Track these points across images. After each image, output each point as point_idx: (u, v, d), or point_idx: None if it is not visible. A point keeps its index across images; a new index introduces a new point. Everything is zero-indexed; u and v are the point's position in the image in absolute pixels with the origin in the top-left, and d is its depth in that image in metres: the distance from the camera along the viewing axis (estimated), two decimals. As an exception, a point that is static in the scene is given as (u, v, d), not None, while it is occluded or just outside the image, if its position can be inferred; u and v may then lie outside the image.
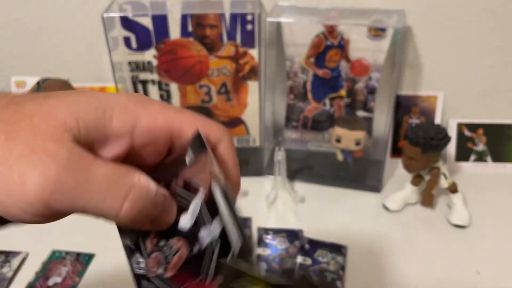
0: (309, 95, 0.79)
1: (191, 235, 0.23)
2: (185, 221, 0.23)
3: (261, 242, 0.67)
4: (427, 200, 0.74)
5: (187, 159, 0.24)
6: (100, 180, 0.20)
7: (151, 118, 0.24)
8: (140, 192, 0.21)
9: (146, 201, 0.22)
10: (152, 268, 0.24)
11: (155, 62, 0.78)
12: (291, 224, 0.71)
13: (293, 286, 0.22)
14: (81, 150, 0.20)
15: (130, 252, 0.25)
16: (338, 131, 0.77)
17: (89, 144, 0.21)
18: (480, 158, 0.84)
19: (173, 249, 0.23)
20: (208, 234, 0.22)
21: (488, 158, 0.84)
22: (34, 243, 0.68)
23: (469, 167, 0.84)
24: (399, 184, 0.78)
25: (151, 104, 0.24)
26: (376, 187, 0.79)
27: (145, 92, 0.81)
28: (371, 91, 0.77)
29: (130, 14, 0.74)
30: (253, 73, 0.78)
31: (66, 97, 0.22)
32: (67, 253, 0.66)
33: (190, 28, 0.75)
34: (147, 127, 0.23)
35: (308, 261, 0.64)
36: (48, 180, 0.19)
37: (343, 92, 0.78)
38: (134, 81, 0.80)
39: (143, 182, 0.22)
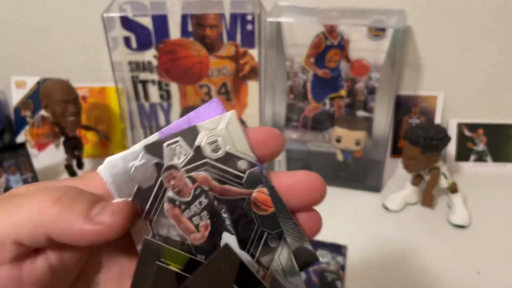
0: (309, 95, 0.79)
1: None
2: None
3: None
4: (427, 200, 0.74)
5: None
6: None
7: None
8: None
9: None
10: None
11: (155, 62, 0.78)
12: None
13: (213, 261, 0.22)
14: None
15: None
16: (338, 131, 0.77)
17: None
18: (480, 158, 0.84)
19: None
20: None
21: (488, 158, 0.84)
22: None
23: (469, 167, 0.84)
24: (399, 184, 0.78)
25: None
26: (376, 187, 0.79)
27: (145, 92, 0.81)
28: (371, 91, 0.77)
29: (130, 14, 0.74)
30: (253, 73, 0.78)
31: None
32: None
33: (190, 28, 0.75)
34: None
35: (308, 261, 0.64)
36: None
37: (343, 92, 0.78)
38: (134, 81, 0.80)
39: None
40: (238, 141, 0.23)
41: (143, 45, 0.76)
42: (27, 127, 0.87)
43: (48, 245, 0.21)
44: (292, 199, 0.23)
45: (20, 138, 0.88)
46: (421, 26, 0.77)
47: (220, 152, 0.23)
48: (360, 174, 0.81)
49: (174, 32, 0.75)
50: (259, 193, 0.23)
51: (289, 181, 0.23)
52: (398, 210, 0.74)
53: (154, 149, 0.23)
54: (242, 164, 0.23)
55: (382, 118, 0.77)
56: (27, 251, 0.21)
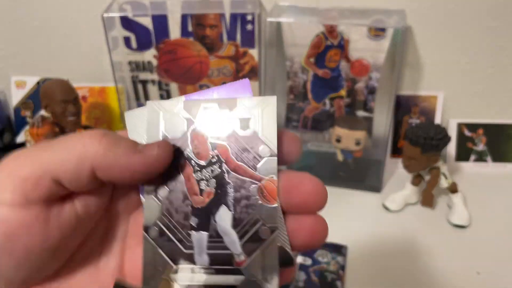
0: (309, 95, 0.79)
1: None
2: None
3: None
4: (427, 200, 0.74)
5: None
6: None
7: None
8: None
9: None
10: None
11: (155, 62, 0.78)
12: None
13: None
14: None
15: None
16: (338, 131, 0.77)
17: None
18: (480, 158, 0.84)
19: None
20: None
21: (488, 158, 0.84)
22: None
23: (469, 167, 0.84)
24: (399, 184, 0.78)
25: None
26: (376, 187, 0.79)
27: (145, 92, 0.81)
28: (371, 91, 0.77)
29: (130, 14, 0.74)
30: (253, 73, 0.78)
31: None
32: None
33: (190, 28, 0.75)
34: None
35: (308, 261, 0.64)
36: None
37: (343, 92, 0.78)
38: (134, 81, 0.80)
39: None
40: (268, 127, 0.23)
41: (143, 45, 0.76)
42: (27, 127, 0.87)
43: (88, 185, 0.21)
44: (290, 200, 0.23)
45: (20, 138, 0.88)
46: (421, 26, 0.77)
47: (247, 131, 0.23)
48: (360, 174, 0.81)
49: (174, 32, 0.75)
50: (269, 183, 0.23)
51: (290, 182, 0.23)
52: (398, 210, 0.74)
53: (191, 107, 0.24)
54: (263, 149, 0.23)
55: (382, 118, 0.77)
56: (61, 193, 0.21)
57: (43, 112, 0.77)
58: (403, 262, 0.65)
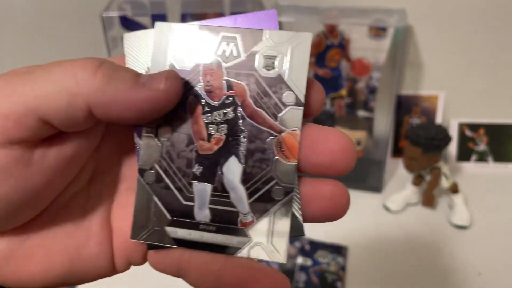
0: (310, 95, 0.79)
1: None
2: None
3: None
4: (428, 200, 0.74)
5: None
6: None
7: None
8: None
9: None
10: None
11: (154, 62, 0.78)
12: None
13: None
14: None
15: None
16: (339, 131, 0.77)
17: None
18: (481, 158, 0.84)
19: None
20: None
21: (489, 158, 0.84)
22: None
23: (470, 167, 0.84)
24: (399, 184, 0.77)
25: None
26: (376, 187, 0.79)
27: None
28: (372, 90, 0.77)
29: (129, 14, 0.73)
30: (253, 72, 0.78)
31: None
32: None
33: (190, 28, 0.75)
34: None
35: (309, 262, 0.64)
36: None
37: (343, 92, 0.77)
38: (134, 81, 0.80)
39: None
40: (297, 70, 0.20)
41: (142, 45, 0.76)
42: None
43: (81, 124, 0.18)
44: (313, 158, 0.20)
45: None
46: (422, 25, 0.76)
47: (272, 72, 0.20)
48: (360, 174, 0.81)
49: (174, 31, 0.75)
50: (290, 136, 0.20)
51: (314, 137, 0.20)
52: (398, 210, 0.74)
53: (208, 34, 0.20)
54: (288, 96, 0.20)
55: (383, 118, 0.76)
56: (48, 133, 0.18)
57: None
58: (404, 263, 0.65)
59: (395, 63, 0.72)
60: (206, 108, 0.20)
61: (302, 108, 0.20)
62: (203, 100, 0.20)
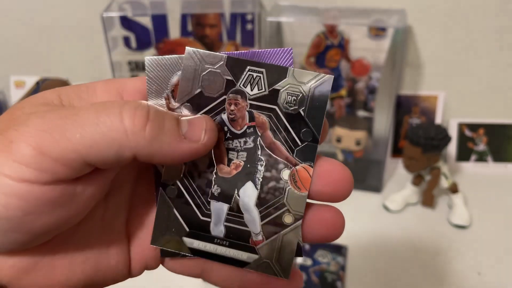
0: (309, 95, 0.79)
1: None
2: None
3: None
4: (428, 200, 0.74)
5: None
6: None
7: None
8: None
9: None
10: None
11: (154, 62, 0.78)
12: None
13: None
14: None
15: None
16: (339, 131, 0.77)
17: None
18: (481, 158, 0.84)
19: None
20: None
21: (489, 158, 0.84)
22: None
23: (470, 167, 0.84)
24: (399, 184, 0.77)
25: None
26: (376, 187, 0.79)
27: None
28: (372, 91, 0.77)
29: (129, 14, 0.73)
30: (253, 72, 0.78)
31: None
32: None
33: (190, 28, 0.75)
34: None
35: (309, 262, 0.64)
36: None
37: (343, 92, 0.78)
38: (134, 81, 0.80)
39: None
40: (316, 110, 0.21)
41: (142, 45, 0.76)
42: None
43: (121, 166, 0.20)
44: (320, 187, 0.22)
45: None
46: (422, 25, 0.76)
47: (292, 109, 0.21)
48: (360, 174, 0.81)
49: (174, 31, 0.75)
50: (303, 169, 0.21)
51: (322, 168, 0.22)
52: (398, 210, 0.74)
53: (235, 65, 0.21)
54: (306, 134, 0.21)
55: (383, 118, 0.76)
56: (89, 171, 0.19)
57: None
58: (404, 263, 0.65)
59: (394, 63, 0.72)
60: (228, 135, 0.22)
61: (317, 145, 0.21)
62: (226, 128, 0.22)
